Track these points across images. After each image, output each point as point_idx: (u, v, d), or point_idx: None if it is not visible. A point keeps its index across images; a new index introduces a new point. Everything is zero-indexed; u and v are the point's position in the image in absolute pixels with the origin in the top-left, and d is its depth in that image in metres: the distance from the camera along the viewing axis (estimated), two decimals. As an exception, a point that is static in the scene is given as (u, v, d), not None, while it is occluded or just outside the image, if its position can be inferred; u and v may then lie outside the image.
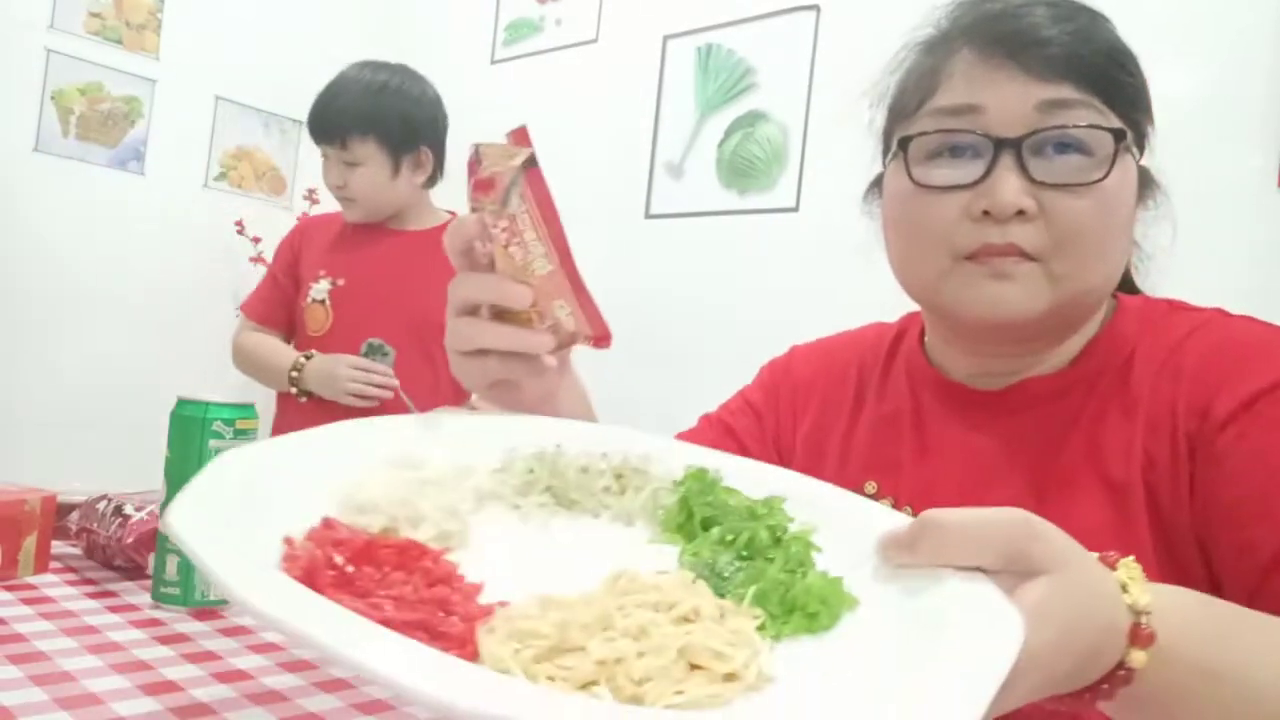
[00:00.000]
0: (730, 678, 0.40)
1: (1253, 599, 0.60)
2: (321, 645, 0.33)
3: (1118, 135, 0.65)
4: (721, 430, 0.91)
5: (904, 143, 0.71)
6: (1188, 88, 1.73)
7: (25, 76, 2.59)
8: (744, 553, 0.52)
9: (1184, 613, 0.47)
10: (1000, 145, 0.67)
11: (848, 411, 0.85)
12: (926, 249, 0.71)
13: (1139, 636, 0.44)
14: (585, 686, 0.38)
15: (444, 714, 0.31)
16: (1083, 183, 0.65)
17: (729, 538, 0.53)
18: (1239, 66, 1.70)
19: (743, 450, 0.89)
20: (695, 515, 0.55)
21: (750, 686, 0.41)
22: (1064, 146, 0.66)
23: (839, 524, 0.53)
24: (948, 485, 0.75)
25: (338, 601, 0.38)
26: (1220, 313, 0.72)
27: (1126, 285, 0.79)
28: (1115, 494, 0.67)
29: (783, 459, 0.89)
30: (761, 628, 0.46)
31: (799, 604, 0.47)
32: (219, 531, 0.39)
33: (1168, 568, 0.65)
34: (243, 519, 0.42)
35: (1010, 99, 0.67)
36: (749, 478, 0.58)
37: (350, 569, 0.41)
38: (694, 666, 0.41)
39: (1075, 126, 0.66)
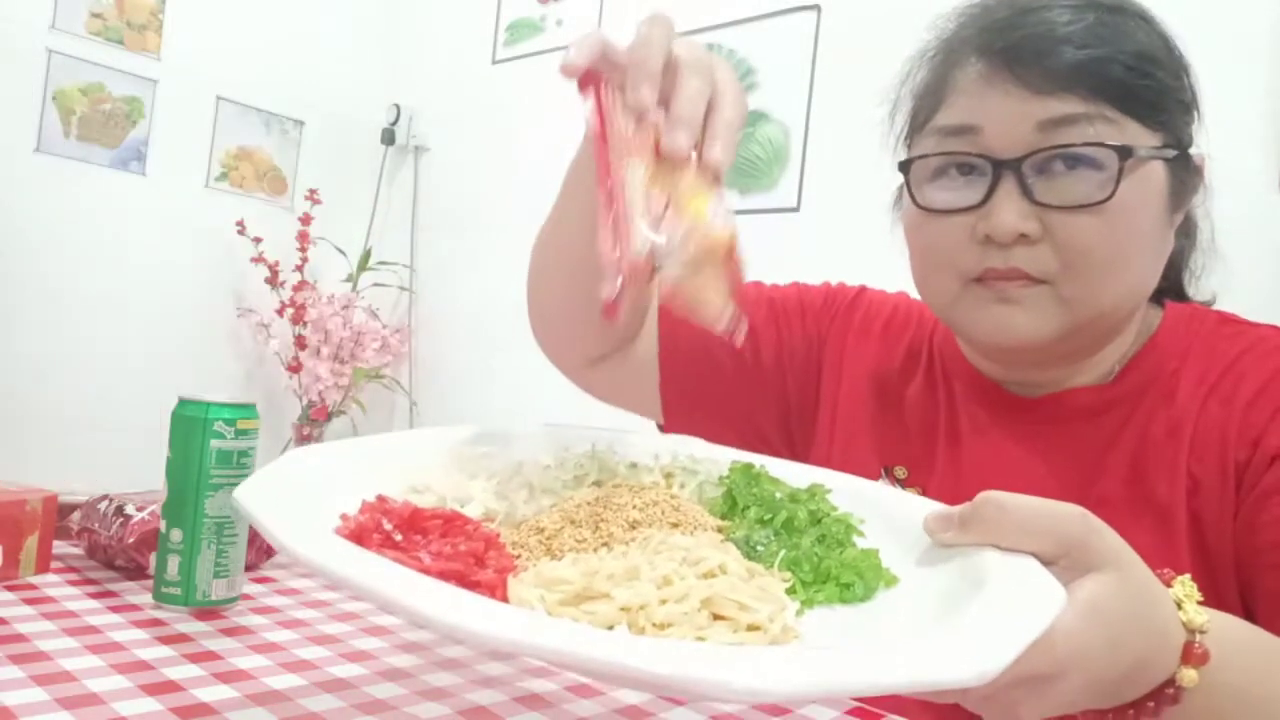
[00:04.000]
0: (754, 629, 0.40)
1: None
2: (352, 582, 0.34)
3: (1122, 152, 0.61)
4: (770, 314, 0.86)
5: (904, 166, 0.69)
6: (1189, 88, 1.73)
7: (26, 77, 2.59)
8: (781, 531, 0.51)
9: (1236, 640, 0.46)
10: (1000, 167, 0.64)
11: (892, 387, 0.81)
12: (936, 271, 0.69)
13: (1192, 655, 0.43)
14: (608, 630, 0.38)
15: (450, 635, 0.32)
16: (1087, 203, 0.62)
17: (767, 517, 0.52)
18: (1239, 67, 1.70)
19: (777, 344, 0.85)
20: (739, 504, 0.54)
21: (774, 639, 0.40)
22: (1070, 164, 0.63)
23: (885, 516, 0.53)
24: (978, 489, 0.72)
25: (380, 555, 0.40)
26: (1276, 331, 0.69)
27: (1175, 291, 0.76)
28: (1157, 517, 0.65)
29: (807, 384, 0.85)
30: (792, 591, 0.45)
31: (833, 574, 0.46)
32: (282, 504, 0.41)
33: (1208, 596, 0.62)
34: (306, 498, 0.44)
35: (1009, 118, 0.64)
36: (793, 472, 0.58)
37: (398, 536, 0.44)
38: (717, 617, 0.40)
39: (1075, 145, 0.62)
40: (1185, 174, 0.67)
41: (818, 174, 2.28)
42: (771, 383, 0.86)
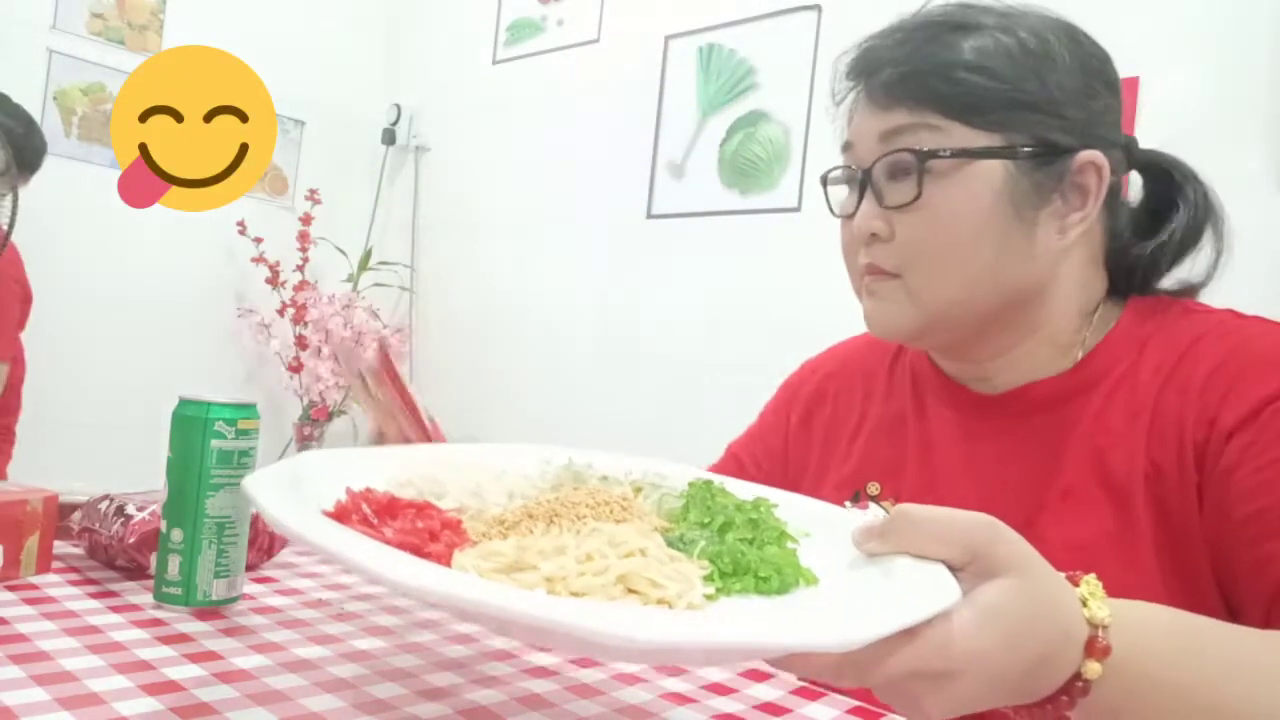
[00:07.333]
0: (663, 604, 0.44)
1: (1268, 613, 0.60)
2: (316, 543, 0.40)
3: (920, 156, 0.68)
4: (734, 464, 0.94)
5: (822, 180, 0.79)
6: (1188, 89, 1.73)
7: (27, 77, 2.60)
8: (716, 533, 0.55)
9: (1146, 627, 0.48)
10: (861, 176, 0.73)
11: (857, 413, 0.86)
12: (848, 268, 0.78)
13: (1094, 649, 0.45)
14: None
15: (388, 587, 0.38)
16: (901, 204, 0.70)
17: (706, 520, 0.56)
18: (1239, 69, 1.70)
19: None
20: (691, 512, 0.58)
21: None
22: (901, 170, 0.70)
23: (829, 531, 0.56)
24: (949, 491, 0.76)
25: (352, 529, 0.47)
26: (1233, 315, 0.70)
27: (1135, 284, 0.77)
28: (1117, 503, 0.67)
29: (793, 480, 0.89)
30: (709, 578, 0.49)
31: (752, 568, 0.50)
32: (281, 489, 0.47)
33: (1173, 580, 0.64)
34: (306, 489, 0.50)
35: (864, 133, 0.73)
36: (750, 492, 0.62)
37: (374, 519, 0.50)
38: (632, 592, 0.45)
39: (888, 154, 0.70)
40: (1042, 172, 0.69)
41: (818, 174, 2.28)
42: None
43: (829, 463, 0.86)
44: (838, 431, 0.87)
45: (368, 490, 0.53)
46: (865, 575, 0.48)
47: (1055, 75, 0.69)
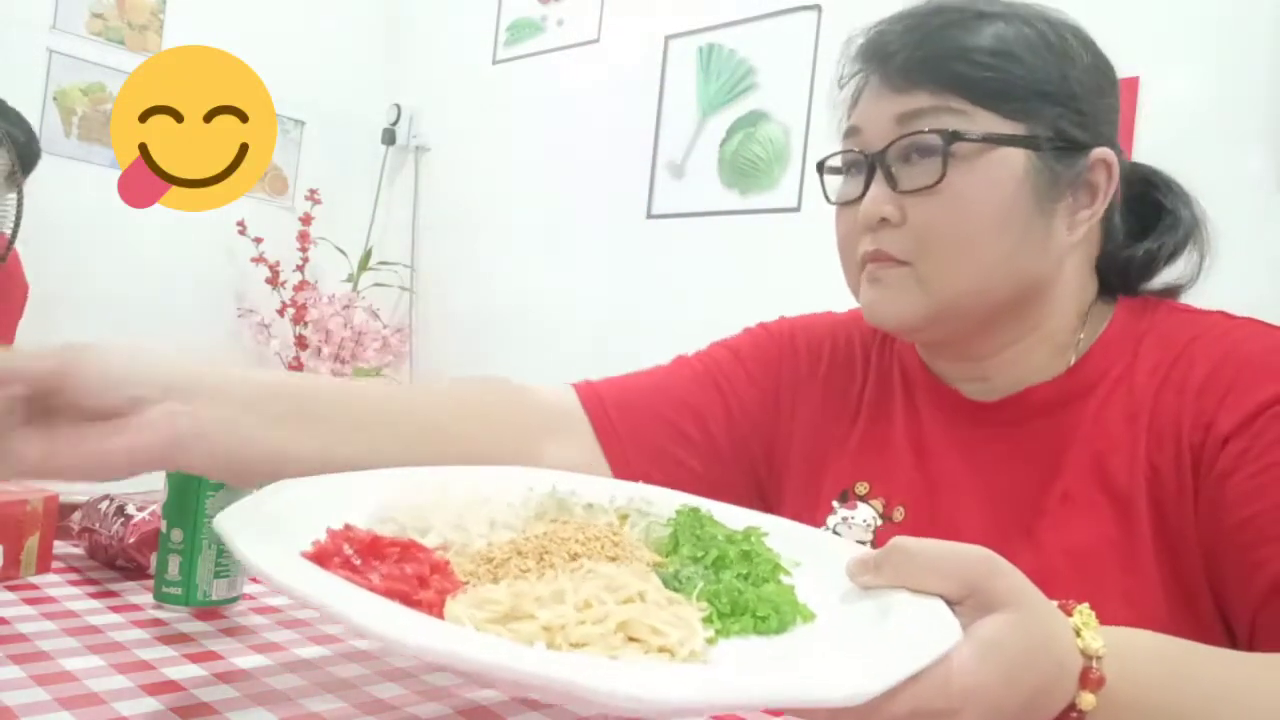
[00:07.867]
0: (664, 651, 0.43)
1: (1254, 620, 0.60)
2: (302, 594, 0.38)
3: (946, 137, 0.66)
4: (708, 384, 0.85)
5: (819, 167, 0.77)
6: (1188, 90, 1.73)
7: (27, 77, 2.60)
8: (710, 568, 0.54)
9: (1138, 656, 0.48)
10: (871, 159, 0.70)
11: (854, 400, 0.83)
12: (844, 259, 0.75)
13: (1089, 680, 0.46)
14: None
15: (380, 642, 0.36)
16: (920, 187, 0.68)
17: (699, 554, 0.55)
18: (1239, 69, 1.70)
19: (726, 412, 0.84)
20: (682, 545, 0.57)
21: (683, 662, 0.43)
22: (920, 152, 0.68)
23: (820, 559, 0.55)
24: (952, 500, 0.75)
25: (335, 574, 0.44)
26: (1224, 316, 0.71)
27: (1128, 286, 0.77)
28: (1118, 507, 0.67)
29: (775, 433, 0.85)
30: (709, 620, 0.48)
31: (750, 607, 0.49)
32: (256, 529, 0.45)
33: (1172, 585, 0.64)
34: (281, 525, 0.48)
35: (875, 115, 0.71)
36: (737, 517, 0.61)
37: (357, 560, 0.47)
38: (632, 640, 0.43)
39: (911, 134, 0.68)
40: (1061, 165, 0.68)
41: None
42: (731, 460, 0.84)
43: (828, 447, 0.82)
44: (837, 410, 0.83)
45: (348, 529, 0.50)
46: (862, 610, 0.47)
47: (1074, 70, 0.68)
